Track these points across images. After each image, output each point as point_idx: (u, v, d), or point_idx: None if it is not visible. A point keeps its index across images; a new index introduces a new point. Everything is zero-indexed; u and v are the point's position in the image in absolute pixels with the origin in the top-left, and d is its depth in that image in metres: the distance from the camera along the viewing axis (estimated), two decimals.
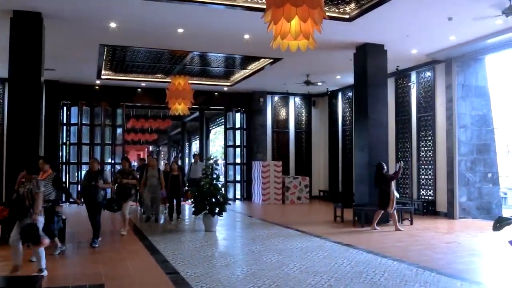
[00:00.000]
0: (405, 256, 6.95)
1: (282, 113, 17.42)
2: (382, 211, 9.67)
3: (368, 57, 10.58)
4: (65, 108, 15.47)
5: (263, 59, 12.39)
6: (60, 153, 15.20)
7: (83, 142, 15.28)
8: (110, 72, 14.01)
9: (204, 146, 20.89)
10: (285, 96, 17.32)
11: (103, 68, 13.18)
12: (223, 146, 19.46)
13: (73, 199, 7.85)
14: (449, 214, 11.50)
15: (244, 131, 17.26)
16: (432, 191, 12.23)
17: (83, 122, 15.31)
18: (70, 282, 5.52)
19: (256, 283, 5.40)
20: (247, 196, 16.96)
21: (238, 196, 17.16)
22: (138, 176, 9.95)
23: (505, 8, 7.93)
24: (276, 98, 17.29)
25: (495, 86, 12.88)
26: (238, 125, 17.32)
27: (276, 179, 15.56)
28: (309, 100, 17.70)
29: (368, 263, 6.46)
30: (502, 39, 9.83)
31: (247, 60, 12.66)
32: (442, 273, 5.89)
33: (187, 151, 27.77)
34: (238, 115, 17.33)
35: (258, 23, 6.86)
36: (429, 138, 12.39)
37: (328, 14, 6.76)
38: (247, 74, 14.09)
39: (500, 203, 12.46)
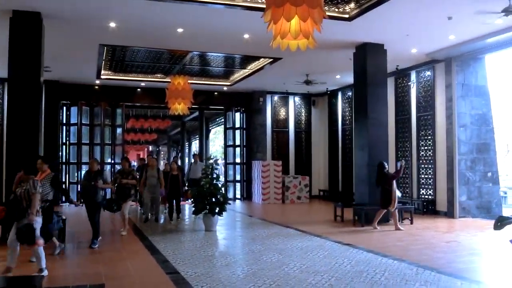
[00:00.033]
0: (405, 255, 6.95)
1: (282, 112, 17.42)
2: (385, 210, 9.67)
3: (368, 56, 10.58)
4: (64, 108, 15.46)
5: (262, 59, 12.39)
6: (60, 153, 15.19)
7: (82, 142, 15.26)
8: (109, 72, 14.01)
9: (203, 145, 20.89)
10: (284, 96, 17.32)
11: (102, 68, 13.18)
12: (223, 145, 19.46)
13: (71, 200, 7.77)
14: (449, 213, 11.50)
15: (244, 131, 17.26)
16: (432, 190, 12.24)
17: (82, 122, 15.29)
18: (70, 282, 5.51)
19: (256, 283, 5.40)
20: (247, 195, 16.96)
21: (238, 195, 17.16)
22: (138, 176, 9.95)
23: (504, 7, 7.94)
24: (275, 97, 17.29)
25: (494, 85, 12.89)
26: (237, 124, 17.32)
27: (276, 178, 15.56)
28: (308, 99, 17.69)
29: (368, 262, 6.46)
30: (502, 38, 9.83)
31: (247, 59, 12.65)
32: (442, 272, 5.89)
33: (186, 151, 27.77)
34: (237, 115, 17.32)
35: (257, 22, 6.86)
36: (429, 137, 12.39)
37: (327, 13, 6.75)
38: (247, 73, 14.08)
39: (500, 202, 12.47)
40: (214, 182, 9.69)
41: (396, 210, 9.69)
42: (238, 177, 17.34)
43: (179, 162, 23.09)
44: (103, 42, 10.34)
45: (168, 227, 10.21)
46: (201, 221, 9.78)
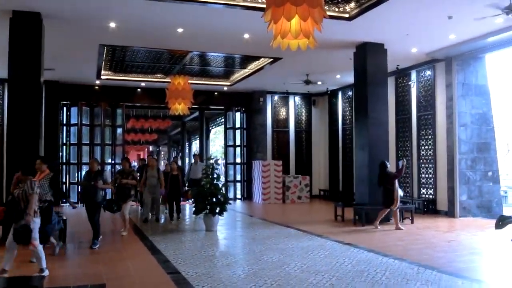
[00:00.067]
0: (406, 254, 6.95)
1: (282, 112, 17.41)
2: (388, 210, 9.66)
3: (368, 56, 10.58)
4: (65, 108, 15.45)
5: (263, 59, 12.39)
6: (60, 153, 15.19)
7: (83, 142, 15.26)
8: (109, 72, 14.00)
9: (204, 146, 20.89)
10: (285, 96, 17.31)
11: (102, 68, 13.18)
12: (223, 145, 19.46)
13: (68, 202, 7.73)
14: (450, 213, 11.50)
15: (244, 131, 17.25)
16: (432, 189, 12.24)
17: (83, 122, 15.29)
18: (71, 282, 5.51)
19: (257, 283, 5.40)
20: (247, 195, 16.96)
21: (238, 195, 17.15)
22: (138, 177, 9.95)
23: (505, 6, 7.93)
24: (276, 97, 17.29)
25: (495, 85, 12.87)
26: (238, 124, 17.32)
27: (276, 178, 15.56)
28: (309, 99, 17.69)
29: (369, 262, 6.46)
30: (502, 37, 9.83)
31: (247, 59, 12.65)
32: (443, 271, 5.89)
33: (187, 151, 27.77)
34: (238, 115, 17.32)
35: (257, 22, 6.86)
36: (430, 136, 12.39)
37: (328, 13, 6.75)
38: (247, 73, 14.08)
39: (501, 201, 12.47)
40: (215, 182, 9.70)
41: (398, 210, 9.69)
42: (238, 177, 17.33)
43: (180, 162, 23.10)
44: (103, 42, 10.34)
45: (169, 227, 10.20)
46: (202, 221, 9.78)
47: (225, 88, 16.11)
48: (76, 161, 15.23)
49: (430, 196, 12.29)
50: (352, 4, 8.53)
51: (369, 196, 10.47)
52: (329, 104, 17.30)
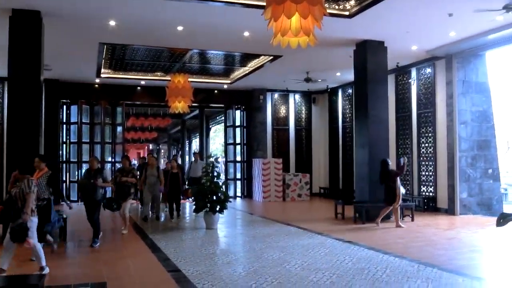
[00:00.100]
0: (407, 252, 6.96)
1: (282, 110, 17.40)
2: (390, 207, 9.67)
3: (368, 53, 10.56)
4: (65, 107, 15.45)
5: (263, 57, 12.37)
6: (60, 152, 15.19)
7: (83, 141, 15.27)
8: (109, 71, 13.99)
9: (204, 144, 20.90)
10: (285, 94, 17.30)
11: (102, 67, 13.16)
12: (223, 143, 19.46)
13: (64, 201, 7.63)
14: (450, 211, 11.50)
15: (244, 129, 17.24)
16: (432, 187, 12.24)
17: (83, 120, 15.30)
18: (71, 281, 5.50)
19: (258, 281, 5.40)
20: (247, 193, 16.97)
21: (238, 193, 17.17)
22: (138, 175, 9.94)
23: (505, 3, 7.92)
24: (276, 95, 17.28)
25: (495, 82, 12.86)
26: (238, 122, 17.31)
27: (276, 176, 15.56)
28: (309, 97, 17.68)
29: (369, 259, 6.46)
30: (503, 34, 9.81)
31: (247, 57, 12.64)
32: (444, 269, 5.89)
33: (187, 149, 27.80)
34: (238, 113, 17.31)
35: (257, 20, 6.85)
36: (430, 134, 12.38)
37: (328, 11, 6.74)
38: (247, 71, 14.06)
39: (501, 199, 12.48)
40: (215, 180, 9.69)
41: (398, 207, 9.70)
42: (238, 175, 17.34)
43: (179, 161, 23.10)
44: (103, 40, 10.32)
45: (169, 225, 10.21)
46: (202, 219, 9.79)
47: (225, 86, 16.10)
48: (76, 160, 15.24)
49: (430, 194, 12.29)
50: (352, 2, 8.51)
51: (369, 194, 10.47)
52: (329, 102, 17.28)
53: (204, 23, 9.15)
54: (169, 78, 12.62)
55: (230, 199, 12.55)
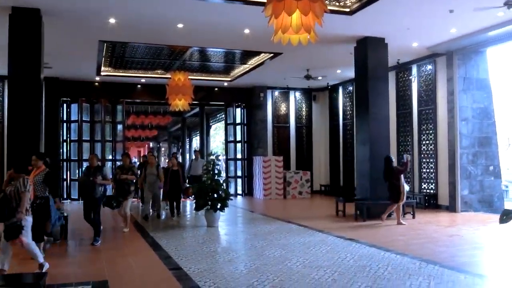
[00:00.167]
0: (408, 249, 6.95)
1: (283, 108, 17.38)
2: (396, 205, 9.65)
3: (368, 50, 10.53)
4: (65, 105, 15.42)
5: (263, 54, 12.34)
6: (61, 150, 15.17)
7: (83, 139, 15.26)
8: (109, 69, 13.97)
9: (204, 141, 20.84)
10: (285, 91, 17.27)
11: (102, 65, 13.14)
12: (224, 141, 19.44)
13: (57, 201, 7.46)
14: (451, 208, 11.49)
15: (245, 127, 17.22)
16: (433, 184, 12.23)
17: (83, 119, 15.28)
18: (73, 279, 5.49)
19: (259, 278, 5.40)
20: (248, 191, 16.96)
21: (239, 191, 17.16)
22: (138, 172, 9.91)
23: (506, 0, 7.89)
24: (276, 93, 17.25)
25: (496, 79, 12.81)
26: (238, 120, 17.29)
27: (277, 174, 15.56)
28: (309, 94, 17.65)
29: (371, 257, 6.46)
30: (504, 31, 9.78)
31: (247, 55, 12.61)
32: (445, 266, 5.88)
33: (187, 147, 27.75)
34: (238, 111, 17.29)
35: (258, 17, 6.82)
36: (431, 131, 12.36)
37: (328, 7, 6.71)
38: (247, 69, 14.04)
39: (502, 196, 12.46)
40: (216, 178, 9.68)
41: (400, 204, 9.69)
42: (239, 173, 17.32)
43: (180, 158, 23.08)
44: (102, 38, 10.30)
45: (170, 223, 10.21)
46: (203, 217, 9.78)
47: (226, 84, 16.08)
48: (76, 158, 15.22)
49: (432, 191, 12.28)
50: None
51: (370, 191, 10.46)
52: (330, 99, 17.26)
53: (204, 21, 9.13)
54: (169, 76, 12.60)
55: (231, 197, 12.56)
